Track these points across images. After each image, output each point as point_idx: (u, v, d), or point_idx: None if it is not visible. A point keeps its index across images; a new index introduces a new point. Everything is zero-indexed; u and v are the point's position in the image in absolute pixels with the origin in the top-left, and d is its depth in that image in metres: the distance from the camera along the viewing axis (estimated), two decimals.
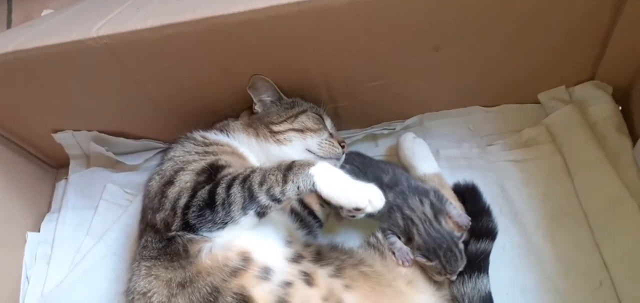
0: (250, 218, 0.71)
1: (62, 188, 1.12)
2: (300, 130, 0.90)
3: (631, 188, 0.88)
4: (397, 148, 1.03)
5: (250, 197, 0.70)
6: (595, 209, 0.88)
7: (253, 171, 0.73)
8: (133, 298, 0.73)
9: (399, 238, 0.84)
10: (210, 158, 0.81)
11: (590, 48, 0.91)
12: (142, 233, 0.82)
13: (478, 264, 0.83)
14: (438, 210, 0.86)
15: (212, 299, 0.66)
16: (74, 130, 1.05)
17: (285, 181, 0.70)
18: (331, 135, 0.93)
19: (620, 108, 0.97)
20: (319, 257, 0.77)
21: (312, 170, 0.70)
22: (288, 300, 0.67)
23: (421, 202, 0.86)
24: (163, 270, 0.71)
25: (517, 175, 0.97)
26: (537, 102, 1.03)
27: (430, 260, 0.80)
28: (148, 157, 1.10)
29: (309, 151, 0.89)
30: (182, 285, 0.69)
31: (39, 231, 1.06)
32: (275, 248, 0.75)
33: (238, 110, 0.98)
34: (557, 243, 0.88)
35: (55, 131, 1.05)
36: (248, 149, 0.89)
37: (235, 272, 0.68)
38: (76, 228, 1.05)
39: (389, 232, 0.85)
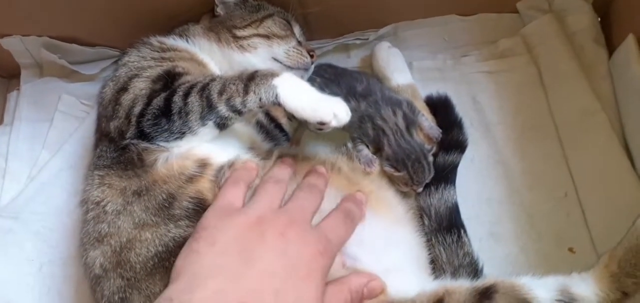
0: (209, 129, 0.67)
1: (14, 99, 1.05)
2: (266, 36, 0.84)
3: (603, 100, 0.87)
4: (371, 58, 0.98)
5: (209, 107, 0.65)
6: (566, 121, 0.88)
7: (213, 79, 0.68)
8: (87, 208, 0.71)
9: (368, 147, 0.83)
10: (167, 65, 0.76)
11: None
12: (97, 143, 0.78)
13: (445, 176, 0.83)
14: (410, 122, 0.84)
15: (167, 205, 0.65)
16: (23, 35, 0.98)
17: (246, 92, 0.65)
18: (299, 43, 0.88)
19: (599, 19, 0.94)
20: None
21: (276, 81, 0.66)
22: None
23: (394, 112, 0.84)
24: (117, 179, 0.69)
25: (490, 87, 0.94)
26: (516, 11, 0.99)
27: (398, 170, 0.79)
28: (104, 66, 1.04)
29: (275, 59, 0.83)
30: (137, 194, 0.67)
31: None
32: (235, 154, 0.72)
33: (199, 13, 0.91)
34: (525, 156, 0.88)
35: (2, 36, 0.98)
36: (209, 56, 0.84)
37: (191, 179, 0.67)
38: (31, 141, 1.00)
39: (358, 141, 0.83)
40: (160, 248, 0.64)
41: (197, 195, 0.66)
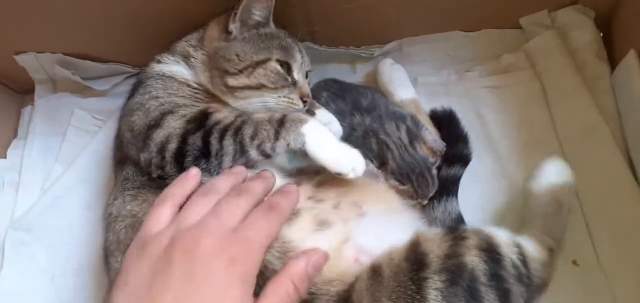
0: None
1: (28, 114, 1.08)
2: (257, 88, 0.80)
3: (606, 115, 0.87)
4: (375, 74, 1.00)
5: (242, 151, 0.69)
6: (569, 136, 0.88)
7: (244, 122, 0.71)
8: (116, 217, 0.73)
9: (372, 162, 0.84)
10: (201, 105, 0.78)
11: None
12: (121, 164, 0.80)
13: (447, 188, 0.84)
14: (414, 136, 0.85)
15: None
16: (37, 52, 1.00)
17: (276, 137, 0.69)
18: (295, 84, 0.82)
19: (601, 35, 0.95)
20: (301, 171, 0.80)
21: (304, 129, 0.69)
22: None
23: (397, 127, 0.86)
24: (152, 196, 0.70)
25: (493, 101, 0.96)
26: (519, 27, 1.00)
27: (402, 184, 0.81)
28: (116, 81, 1.06)
29: (267, 107, 0.80)
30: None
31: (5, 157, 1.03)
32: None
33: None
34: (529, 170, 0.87)
35: (17, 53, 1.00)
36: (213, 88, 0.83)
37: None
38: (44, 155, 1.02)
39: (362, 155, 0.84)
40: None
41: None
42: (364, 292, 0.61)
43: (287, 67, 0.82)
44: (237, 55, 0.80)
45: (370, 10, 0.93)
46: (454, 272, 0.60)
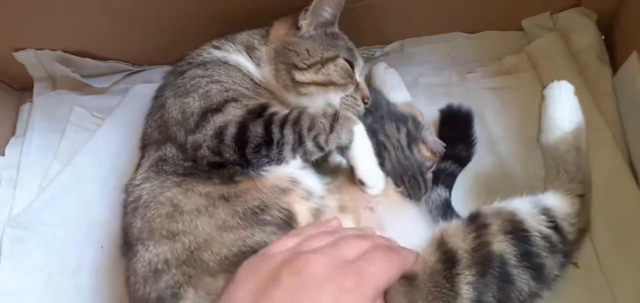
0: (297, 161, 0.73)
1: (27, 111, 1.07)
2: (323, 84, 0.81)
3: (607, 117, 0.87)
4: (369, 78, 1.00)
5: (299, 141, 0.71)
6: None
7: (301, 113, 0.73)
8: (149, 202, 0.71)
9: None
10: (261, 100, 0.79)
11: None
12: (156, 145, 0.78)
13: (443, 179, 0.86)
14: (413, 139, 0.86)
15: (258, 211, 0.68)
16: (37, 49, 1.00)
17: (331, 130, 0.71)
18: (358, 86, 0.85)
19: (603, 38, 0.95)
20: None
21: (355, 128, 0.73)
22: (321, 210, 0.71)
23: (398, 129, 0.86)
24: (198, 185, 0.70)
25: (495, 103, 0.95)
26: (521, 29, 1.00)
27: (397, 185, 0.82)
28: (116, 79, 1.06)
29: (330, 105, 0.81)
30: (225, 199, 0.69)
31: (3, 155, 1.02)
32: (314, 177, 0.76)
33: (208, 34, 0.89)
34: (530, 172, 0.88)
35: (16, 50, 0.99)
36: (270, 87, 0.84)
37: (284, 191, 0.70)
38: (43, 152, 1.01)
39: None
40: (240, 250, 0.65)
41: (288, 207, 0.69)
42: (401, 298, 0.60)
43: (351, 67, 0.84)
44: (307, 51, 0.81)
45: (372, 10, 0.93)
46: (484, 263, 0.61)
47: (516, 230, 0.65)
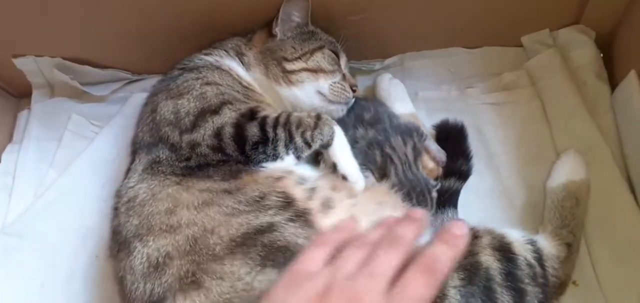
0: (290, 158, 0.77)
1: (24, 118, 1.06)
2: (314, 70, 0.87)
3: (606, 134, 0.87)
4: (373, 89, 1.01)
5: (290, 138, 0.76)
6: None
7: (289, 115, 0.78)
8: (146, 201, 0.71)
9: (373, 173, 0.83)
10: (252, 104, 0.82)
11: None
12: (147, 148, 0.79)
13: (443, 201, 0.85)
14: (418, 154, 0.86)
15: (259, 199, 0.71)
16: (36, 56, 0.99)
17: (315, 127, 0.76)
18: (344, 76, 0.90)
19: (601, 55, 0.96)
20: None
21: (335, 127, 0.78)
22: (315, 190, 0.74)
23: (404, 142, 0.86)
24: (196, 182, 0.72)
25: (494, 118, 0.96)
26: (520, 45, 1.01)
27: (404, 200, 0.80)
28: (115, 87, 1.05)
29: (320, 93, 0.87)
30: (227, 192, 0.71)
31: None
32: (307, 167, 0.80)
33: (208, 39, 0.91)
34: (529, 188, 0.88)
35: (15, 56, 0.99)
36: (260, 87, 0.88)
37: (278, 179, 0.74)
38: (39, 160, 1.00)
39: (363, 167, 0.83)
40: (245, 230, 0.66)
41: (284, 190, 0.72)
42: None
43: (337, 56, 0.90)
44: (293, 47, 0.88)
45: (373, 23, 0.94)
46: (470, 270, 0.62)
47: (504, 249, 0.66)
